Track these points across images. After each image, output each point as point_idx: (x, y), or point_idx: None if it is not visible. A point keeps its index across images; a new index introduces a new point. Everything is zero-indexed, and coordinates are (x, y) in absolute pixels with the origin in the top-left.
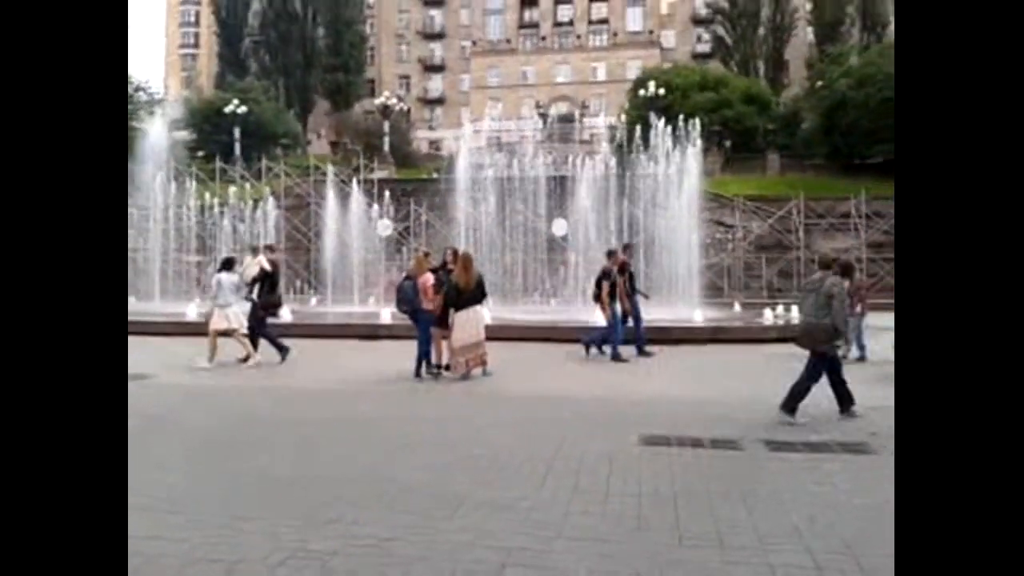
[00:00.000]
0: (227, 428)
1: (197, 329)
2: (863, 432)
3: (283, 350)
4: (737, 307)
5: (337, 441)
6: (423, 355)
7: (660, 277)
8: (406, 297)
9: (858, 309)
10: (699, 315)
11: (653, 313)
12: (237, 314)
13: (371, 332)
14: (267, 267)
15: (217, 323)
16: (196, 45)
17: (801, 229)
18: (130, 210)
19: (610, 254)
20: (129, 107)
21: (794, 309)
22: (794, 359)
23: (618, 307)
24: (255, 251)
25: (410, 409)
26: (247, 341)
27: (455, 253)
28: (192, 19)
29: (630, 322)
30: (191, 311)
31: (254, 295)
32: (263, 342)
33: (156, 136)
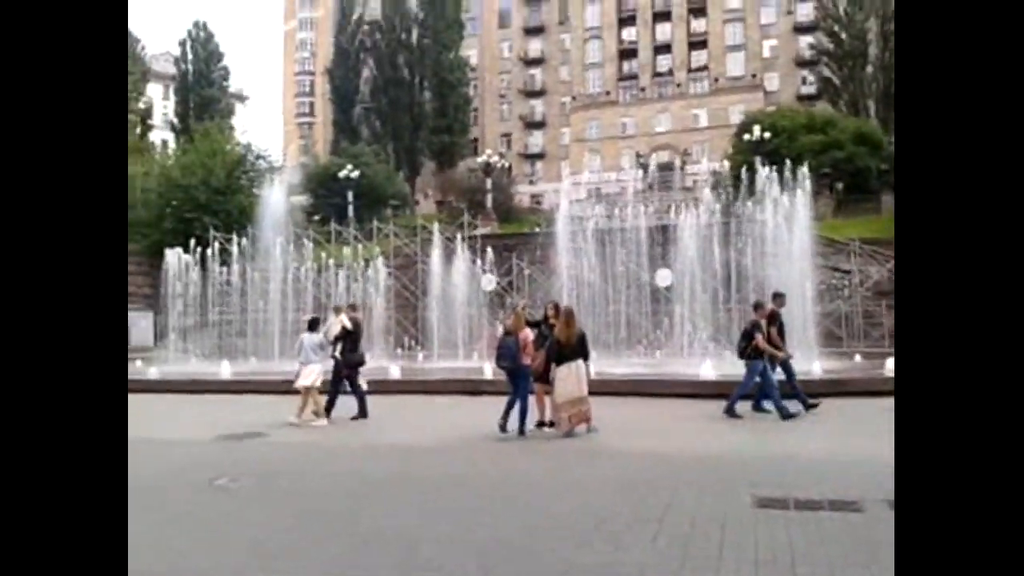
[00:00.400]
0: (341, 485)
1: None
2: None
3: (363, 409)
4: (858, 357)
5: (441, 499)
6: (523, 412)
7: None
8: (508, 353)
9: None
10: (817, 366)
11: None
12: (317, 372)
13: (475, 388)
14: (348, 326)
15: (302, 380)
16: (312, 113)
17: None
18: (252, 273)
19: (757, 307)
20: (251, 174)
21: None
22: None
23: (759, 362)
24: (337, 311)
25: (513, 466)
26: (320, 399)
27: (556, 307)
28: (307, 89)
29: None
30: None
31: (337, 353)
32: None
33: (276, 202)
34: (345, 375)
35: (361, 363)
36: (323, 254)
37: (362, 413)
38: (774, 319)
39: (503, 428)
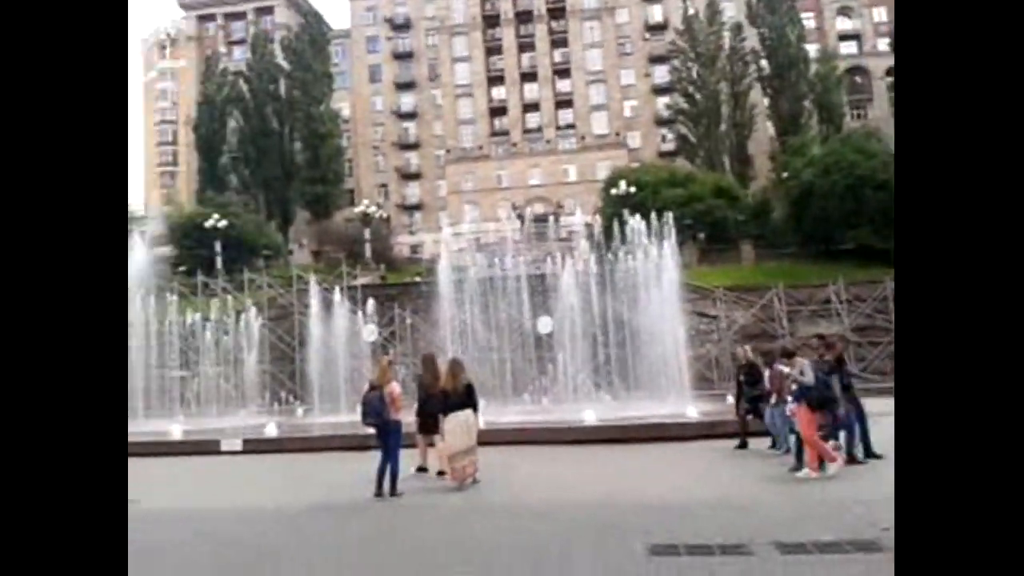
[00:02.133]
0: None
1: (182, 449)
2: (874, 528)
3: None
4: (730, 398)
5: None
6: (395, 472)
7: (648, 370)
8: (372, 409)
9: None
10: (692, 409)
11: (643, 408)
12: None
13: (361, 443)
14: None
15: None
16: (175, 163)
17: (784, 317)
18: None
19: (788, 354)
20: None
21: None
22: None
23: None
24: None
25: (398, 528)
26: None
27: (428, 360)
28: (170, 138)
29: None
30: (175, 429)
31: None
32: None
33: (137, 252)
34: None
35: None
36: (189, 308)
37: None
38: (841, 361)
39: (378, 494)
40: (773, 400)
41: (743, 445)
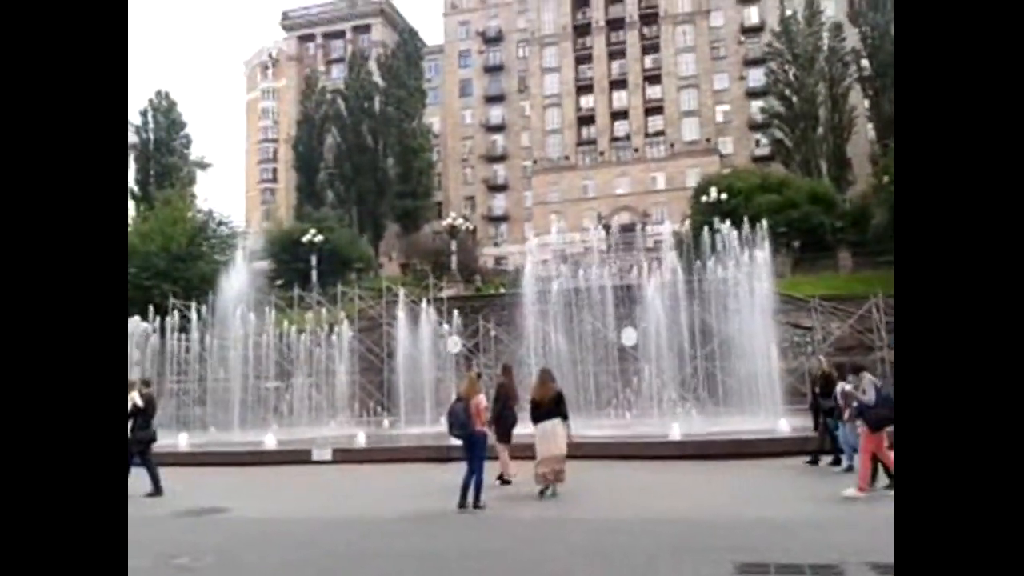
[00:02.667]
0: (298, 561)
1: (275, 458)
2: None
3: (156, 485)
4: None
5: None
6: (479, 483)
7: (738, 384)
8: (457, 421)
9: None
10: (784, 424)
11: (732, 423)
12: None
13: (443, 454)
14: (139, 403)
15: None
16: (275, 180)
17: (883, 328)
18: (211, 340)
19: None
20: (212, 241)
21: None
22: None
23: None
24: (131, 386)
25: (481, 543)
26: None
27: (506, 369)
28: (270, 156)
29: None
30: (269, 439)
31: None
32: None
33: (237, 268)
34: (136, 451)
35: (152, 440)
36: (285, 320)
37: (156, 490)
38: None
39: (462, 506)
40: (846, 416)
41: (814, 461)
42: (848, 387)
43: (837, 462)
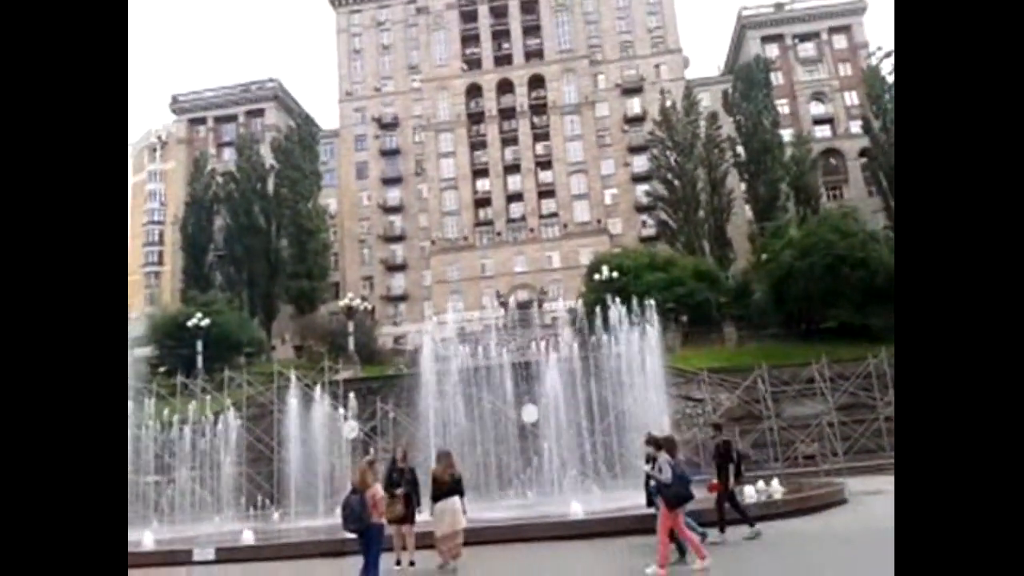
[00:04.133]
0: None
1: (153, 560)
2: None
3: None
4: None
5: None
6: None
7: (635, 457)
8: (353, 514)
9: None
10: (750, 490)
11: (631, 498)
12: None
13: (338, 548)
14: None
15: None
16: (160, 263)
17: (769, 398)
18: None
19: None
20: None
21: (774, 482)
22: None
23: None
24: None
25: None
26: None
27: (404, 453)
28: (156, 238)
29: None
30: (147, 538)
31: None
32: None
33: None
34: None
35: None
36: (167, 409)
37: None
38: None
39: None
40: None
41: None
42: (646, 467)
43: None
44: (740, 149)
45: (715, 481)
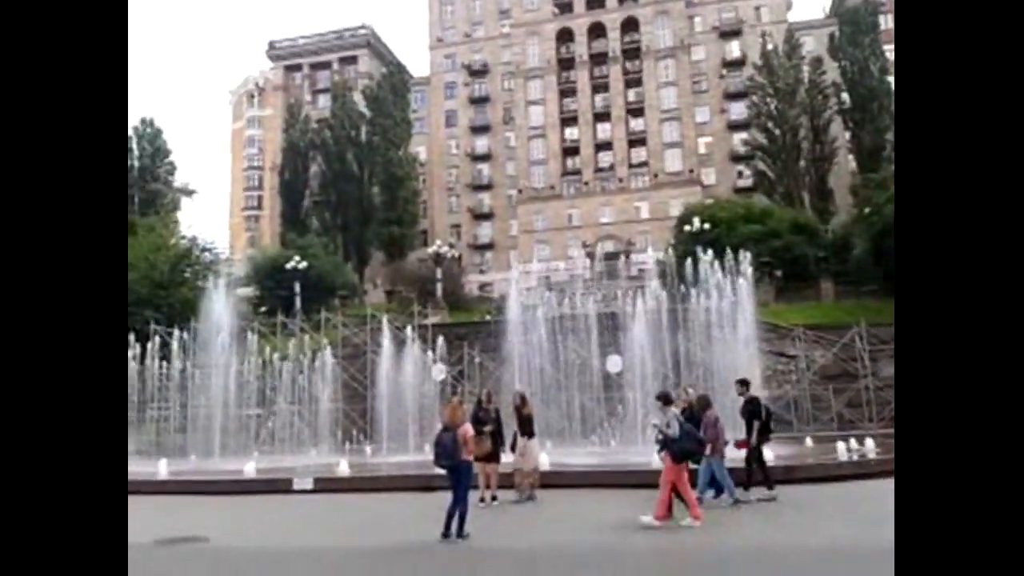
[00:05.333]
0: None
1: (255, 487)
2: None
3: None
4: (808, 441)
5: None
6: (463, 513)
7: (722, 412)
8: (445, 451)
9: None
10: (768, 453)
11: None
12: None
13: (426, 483)
14: None
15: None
16: (260, 207)
17: (866, 356)
18: (193, 367)
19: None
20: (196, 267)
21: (868, 442)
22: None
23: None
24: None
25: (468, 571)
26: None
27: (489, 395)
28: (256, 183)
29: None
30: (249, 467)
31: None
32: None
33: (220, 295)
34: None
35: None
36: (268, 347)
37: None
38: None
39: (446, 536)
40: (708, 450)
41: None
42: (654, 420)
43: (718, 494)
44: (845, 96)
45: (742, 439)
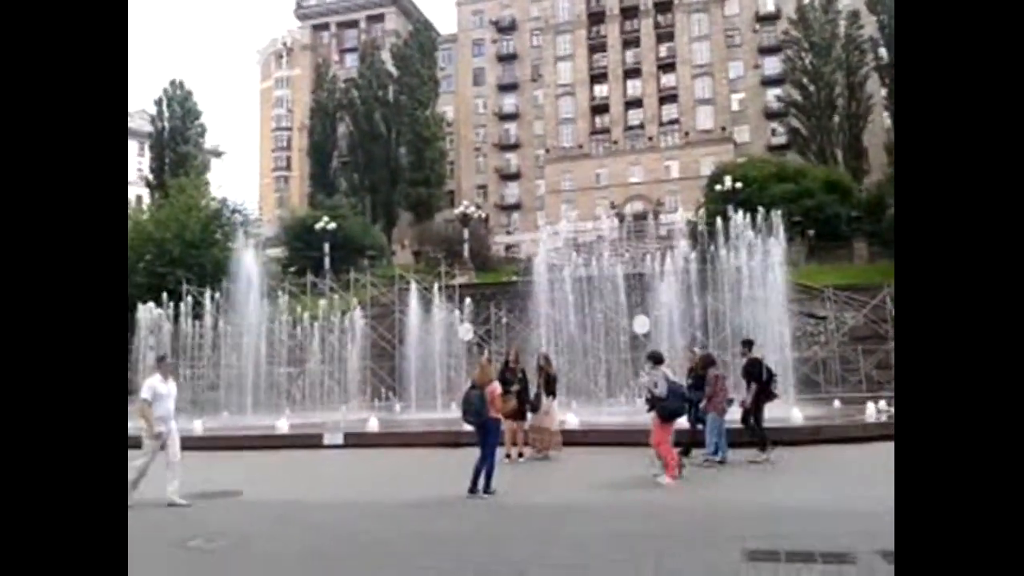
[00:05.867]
0: (312, 545)
1: (287, 442)
2: None
3: None
4: (837, 403)
5: (432, 557)
6: (491, 469)
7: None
8: (472, 408)
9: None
10: (797, 413)
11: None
12: None
13: (454, 439)
14: None
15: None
16: (288, 168)
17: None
18: (225, 326)
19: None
20: (226, 228)
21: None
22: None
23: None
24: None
25: (494, 525)
26: None
27: (516, 354)
28: (284, 144)
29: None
30: (281, 423)
31: None
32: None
33: (250, 255)
34: None
35: None
36: (298, 307)
37: None
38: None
39: (472, 491)
40: (703, 405)
41: (686, 452)
42: (644, 378)
43: (715, 452)
44: (883, 51)
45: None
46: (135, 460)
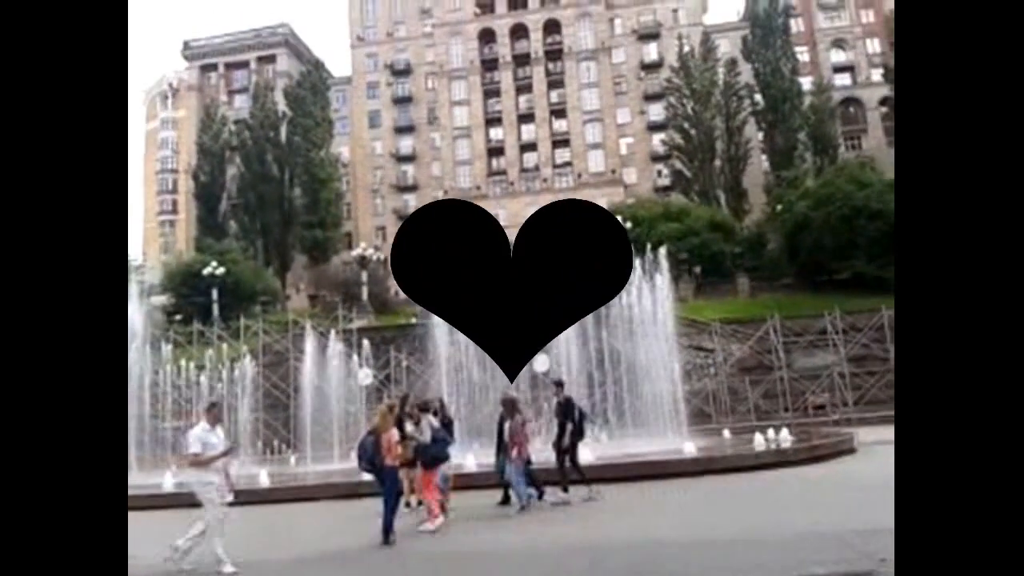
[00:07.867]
0: None
1: (173, 501)
2: (871, 559)
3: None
4: (726, 433)
5: None
6: (388, 519)
7: (643, 407)
8: (366, 454)
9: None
10: (689, 445)
11: (642, 446)
12: None
13: (352, 491)
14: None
15: None
16: (174, 211)
17: (781, 348)
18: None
19: (423, 409)
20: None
21: (783, 431)
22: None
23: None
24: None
25: None
26: None
27: (404, 400)
28: (170, 186)
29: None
30: (167, 481)
31: None
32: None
33: (132, 303)
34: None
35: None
36: (184, 357)
37: None
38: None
39: (385, 541)
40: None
41: (506, 500)
42: (409, 428)
43: (505, 500)
44: (758, 97)
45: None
46: (196, 523)
